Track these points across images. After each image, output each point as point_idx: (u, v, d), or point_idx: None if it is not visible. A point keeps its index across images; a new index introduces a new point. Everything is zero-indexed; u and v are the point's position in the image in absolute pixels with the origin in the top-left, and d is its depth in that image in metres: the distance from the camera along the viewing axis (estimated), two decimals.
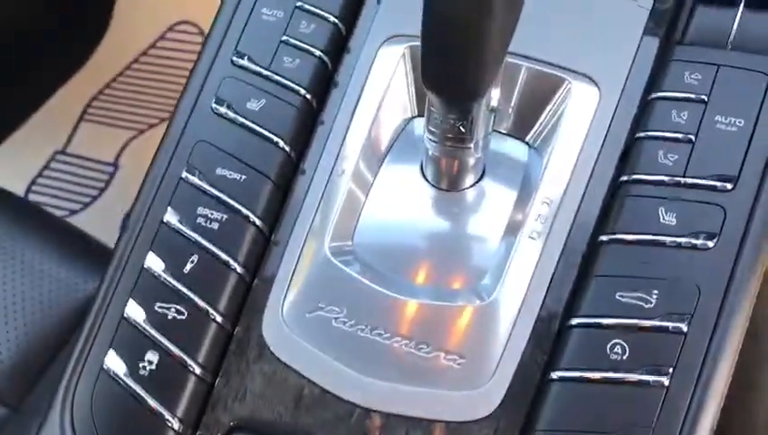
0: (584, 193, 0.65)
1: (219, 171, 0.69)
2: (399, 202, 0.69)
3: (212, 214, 0.68)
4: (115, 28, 1.85)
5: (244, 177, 0.68)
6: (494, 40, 0.56)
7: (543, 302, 0.63)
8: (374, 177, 0.70)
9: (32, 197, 1.66)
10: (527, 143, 0.70)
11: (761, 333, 0.85)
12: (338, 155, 0.69)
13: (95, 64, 1.82)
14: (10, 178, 1.63)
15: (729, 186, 0.63)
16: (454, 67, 0.57)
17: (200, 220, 0.68)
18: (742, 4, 0.67)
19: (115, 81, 1.81)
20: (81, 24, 1.82)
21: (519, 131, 0.70)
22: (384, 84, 0.71)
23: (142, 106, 1.75)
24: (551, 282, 0.63)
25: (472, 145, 0.64)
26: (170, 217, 0.68)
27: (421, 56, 0.58)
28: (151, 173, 0.71)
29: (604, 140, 0.66)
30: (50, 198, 1.67)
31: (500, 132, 0.71)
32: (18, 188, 1.66)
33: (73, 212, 1.64)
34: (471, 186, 0.68)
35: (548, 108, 0.69)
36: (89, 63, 1.81)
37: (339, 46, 0.72)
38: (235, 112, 0.70)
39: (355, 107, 0.70)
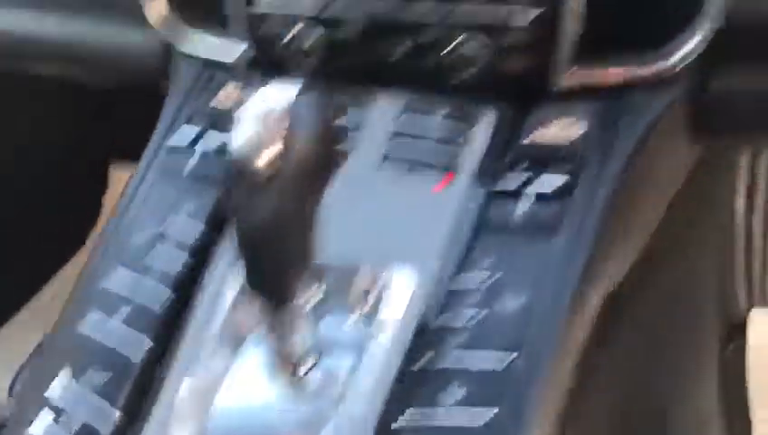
0: (397, 372, 0.74)
1: None
2: (248, 394, 0.77)
3: None
4: (107, 212, 1.97)
5: None
6: (290, 261, 0.69)
7: None
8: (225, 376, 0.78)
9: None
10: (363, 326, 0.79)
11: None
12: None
13: (88, 249, 1.93)
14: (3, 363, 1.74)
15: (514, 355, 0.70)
16: (261, 279, 0.70)
17: None
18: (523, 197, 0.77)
19: None
20: (74, 210, 1.94)
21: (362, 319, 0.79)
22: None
23: None
24: None
25: (295, 339, 0.73)
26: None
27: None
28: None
29: (418, 325, 0.75)
30: None
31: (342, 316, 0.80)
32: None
33: None
34: (306, 372, 0.77)
35: (372, 297, 0.78)
36: (83, 248, 1.93)
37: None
38: None
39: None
